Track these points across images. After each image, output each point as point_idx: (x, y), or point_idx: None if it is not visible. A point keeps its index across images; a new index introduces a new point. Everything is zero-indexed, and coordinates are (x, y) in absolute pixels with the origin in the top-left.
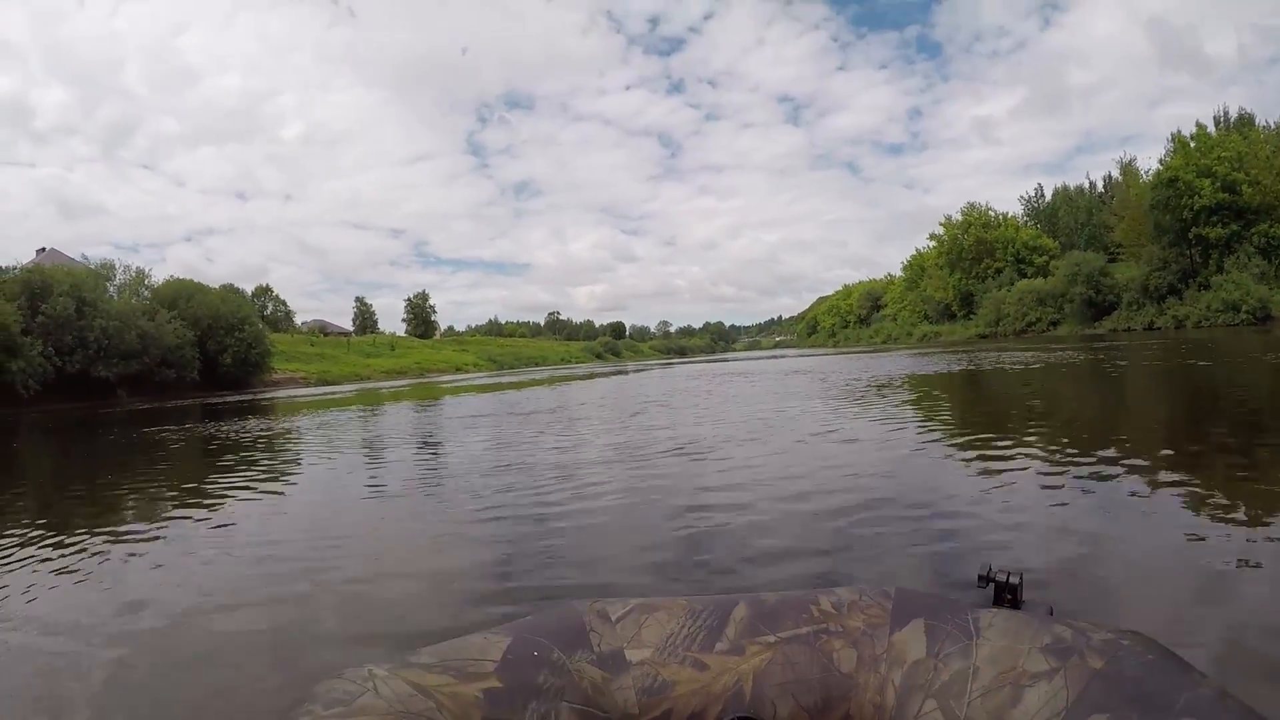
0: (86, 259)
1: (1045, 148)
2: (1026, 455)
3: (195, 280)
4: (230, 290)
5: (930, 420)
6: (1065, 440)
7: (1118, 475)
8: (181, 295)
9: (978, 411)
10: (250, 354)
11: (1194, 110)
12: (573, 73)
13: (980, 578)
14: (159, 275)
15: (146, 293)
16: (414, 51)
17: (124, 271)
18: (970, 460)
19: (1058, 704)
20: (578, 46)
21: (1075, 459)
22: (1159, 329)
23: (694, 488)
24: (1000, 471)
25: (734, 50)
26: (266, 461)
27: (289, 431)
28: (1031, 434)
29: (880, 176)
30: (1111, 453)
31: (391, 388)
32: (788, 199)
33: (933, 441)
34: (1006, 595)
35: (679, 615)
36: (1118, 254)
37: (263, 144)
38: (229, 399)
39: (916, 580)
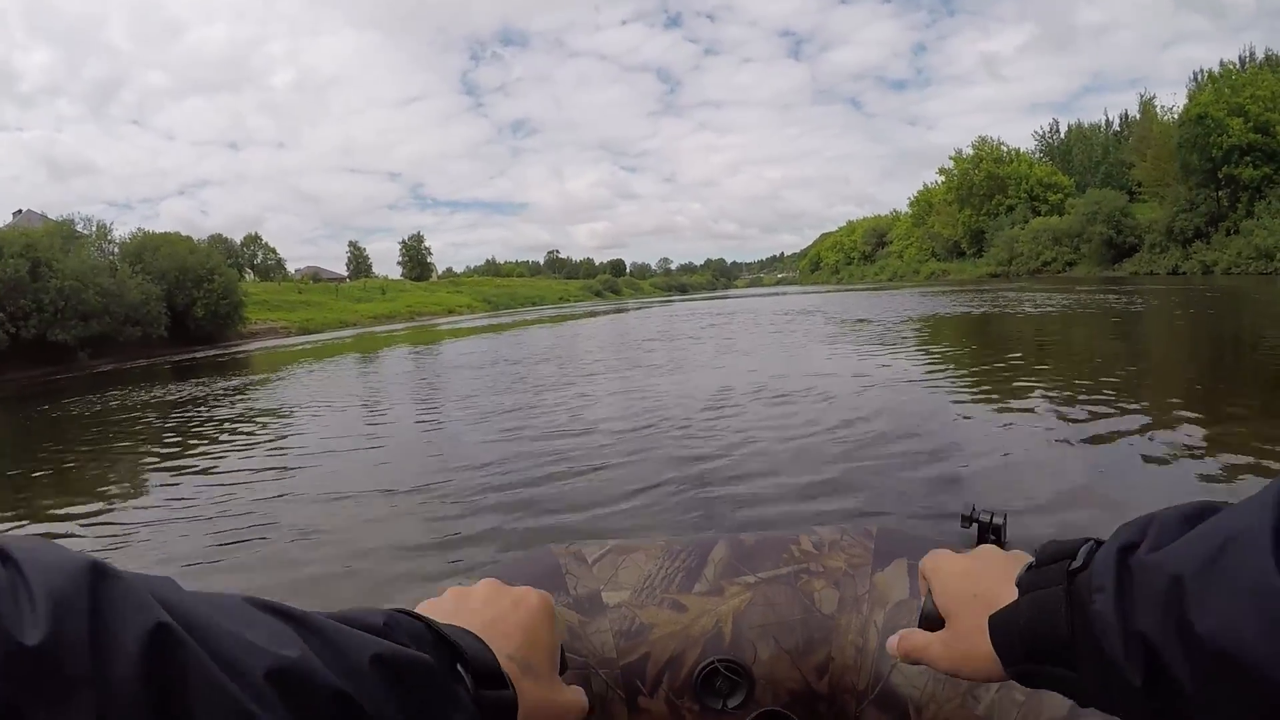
0: (69, 219)
1: (1052, 86)
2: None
3: (183, 234)
4: (210, 241)
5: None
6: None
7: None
8: (147, 249)
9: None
10: (220, 306)
11: (1205, 54)
12: (567, 7)
13: (964, 518)
14: (156, 229)
15: (114, 248)
16: None
17: (84, 226)
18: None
19: None
20: None
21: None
22: (1184, 273)
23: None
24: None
25: None
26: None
27: (228, 394)
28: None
29: (884, 113)
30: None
31: (354, 335)
32: (789, 135)
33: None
34: (990, 536)
35: (657, 556)
36: (1138, 194)
37: (253, 93)
38: (196, 355)
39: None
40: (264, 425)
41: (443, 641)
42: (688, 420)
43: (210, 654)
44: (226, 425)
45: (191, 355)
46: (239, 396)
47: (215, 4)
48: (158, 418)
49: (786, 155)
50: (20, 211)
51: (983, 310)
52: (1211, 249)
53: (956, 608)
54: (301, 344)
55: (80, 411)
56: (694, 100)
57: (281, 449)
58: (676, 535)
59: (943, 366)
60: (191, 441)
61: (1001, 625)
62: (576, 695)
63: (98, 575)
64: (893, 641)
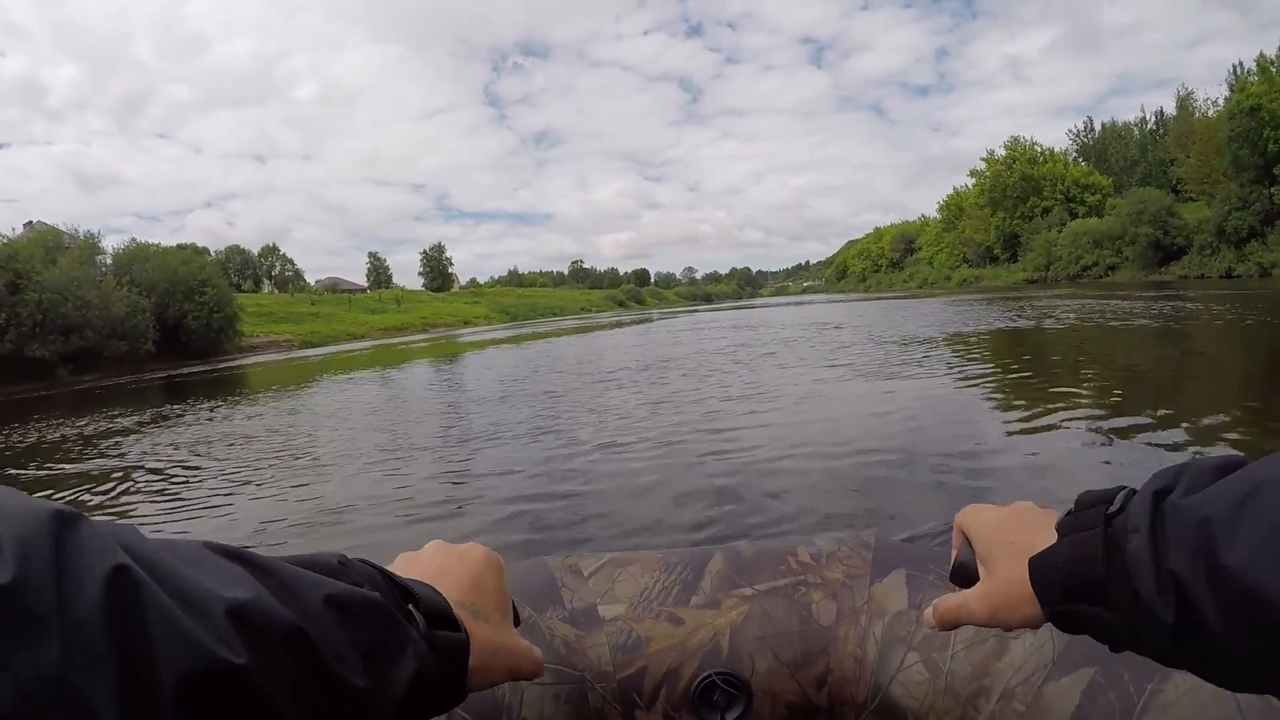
0: (81, 231)
1: (1077, 89)
2: None
3: (205, 245)
4: (227, 252)
5: None
6: None
7: None
8: (137, 260)
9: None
10: (213, 319)
11: (1233, 52)
12: (588, 17)
13: None
14: (184, 240)
15: (108, 259)
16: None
17: (71, 239)
18: None
19: (1044, 656)
20: None
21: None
22: (1238, 276)
23: None
24: None
25: None
26: None
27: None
28: None
29: (907, 119)
30: None
31: (357, 349)
32: (813, 143)
33: None
34: None
35: (653, 569)
36: (1182, 192)
37: (278, 106)
38: (182, 373)
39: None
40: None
41: (394, 586)
42: None
43: (170, 594)
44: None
45: (177, 372)
46: (186, 428)
47: (238, 19)
48: (82, 450)
49: (810, 163)
50: (30, 223)
51: (1037, 323)
52: (1269, 249)
53: (997, 554)
54: (302, 358)
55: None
56: (716, 109)
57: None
58: (673, 547)
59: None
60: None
61: (1041, 566)
62: (529, 647)
63: (62, 521)
64: (928, 614)
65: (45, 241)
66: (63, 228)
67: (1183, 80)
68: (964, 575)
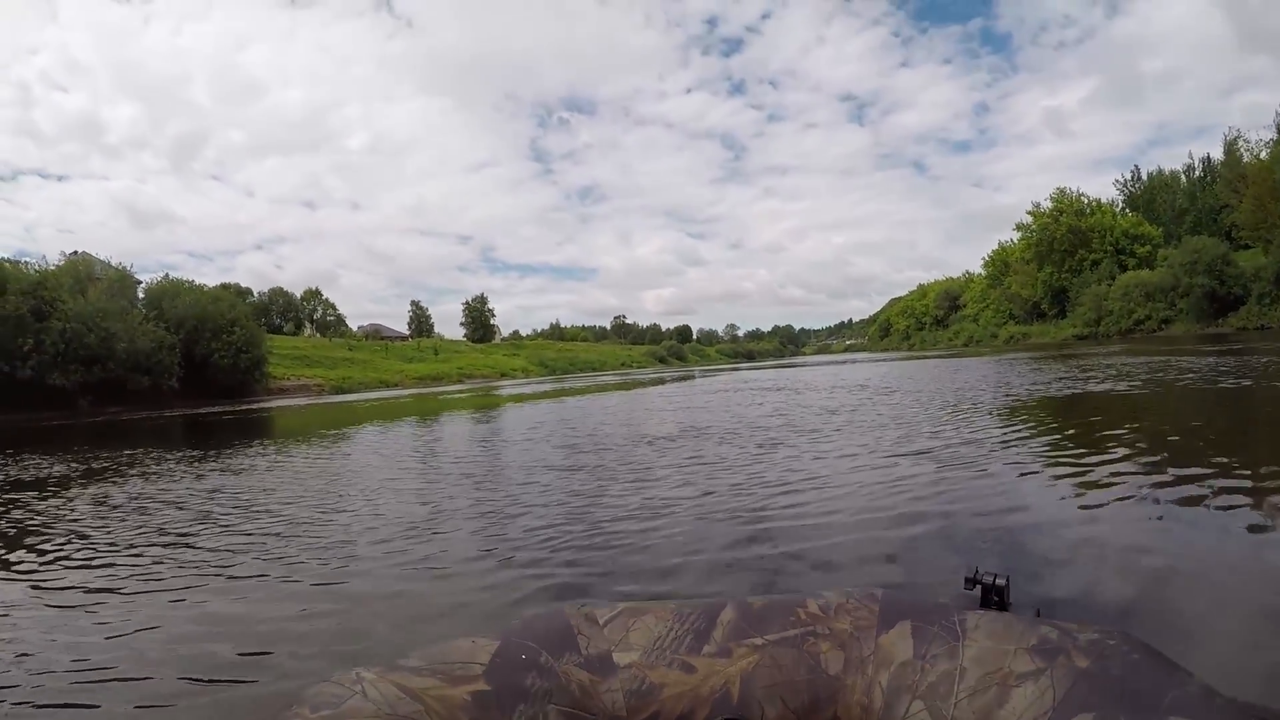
0: (115, 263)
1: (1117, 142)
2: None
3: (248, 286)
4: (270, 294)
5: None
6: None
7: None
8: (167, 295)
9: None
10: (240, 359)
11: (1270, 98)
12: (632, 74)
13: (967, 579)
14: (233, 280)
15: (142, 294)
16: (472, 55)
17: (104, 269)
18: None
19: (1044, 704)
20: (637, 45)
21: None
22: None
23: None
24: None
25: (793, 49)
26: None
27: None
28: None
29: (948, 175)
30: None
31: (383, 397)
32: (854, 199)
33: None
34: (994, 597)
35: (666, 619)
36: (1237, 240)
37: (329, 154)
38: (202, 411)
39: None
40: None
41: None
42: None
43: None
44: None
45: (198, 411)
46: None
47: (293, 67)
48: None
49: (851, 220)
50: (75, 253)
51: (1109, 385)
52: None
53: None
54: (329, 403)
55: None
56: (759, 166)
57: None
58: (686, 599)
59: None
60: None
61: None
62: None
63: None
64: None
65: (76, 271)
66: (104, 259)
67: (1224, 126)
68: None
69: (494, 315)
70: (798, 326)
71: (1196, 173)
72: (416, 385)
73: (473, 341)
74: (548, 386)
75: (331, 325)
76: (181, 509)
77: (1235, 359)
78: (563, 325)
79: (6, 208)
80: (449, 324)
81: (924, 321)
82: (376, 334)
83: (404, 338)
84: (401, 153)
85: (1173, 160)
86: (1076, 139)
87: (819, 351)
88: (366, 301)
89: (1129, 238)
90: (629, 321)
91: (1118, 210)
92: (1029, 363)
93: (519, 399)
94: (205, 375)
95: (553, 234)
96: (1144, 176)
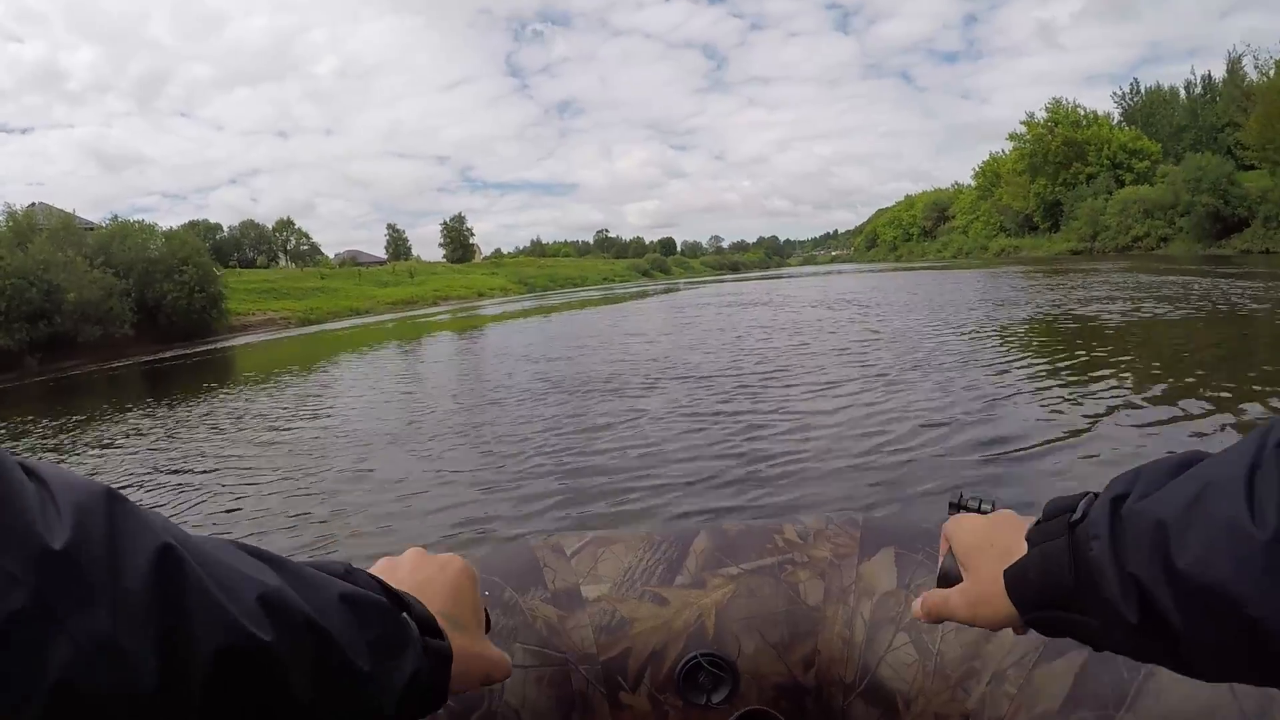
0: (70, 212)
1: (1108, 57)
2: None
3: (217, 221)
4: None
5: None
6: None
7: None
8: (116, 239)
9: None
10: (195, 299)
11: (1265, 22)
12: None
13: (951, 504)
14: (210, 218)
15: (89, 239)
16: None
17: (45, 218)
18: None
19: (1036, 638)
20: None
21: None
22: None
23: None
24: None
25: None
26: None
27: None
28: None
29: (935, 86)
30: None
31: (349, 326)
32: (839, 110)
33: None
34: None
35: (637, 548)
36: (1241, 159)
37: (298, 82)
38: (162, 357)
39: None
40: None
41: (392, 594)
42: None
43: (208, 576)
44: None
45: (155, 357)
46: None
47: None
48: None
49: (837, 131)
50: (34, 204)
51: (1132, 308)
52: None
53: (975, 561)
54: (297, 335)
55: None
56: (741, 77)
57: None
58: (657, 526)
59: None
60: None
61: (1015, 577)
62: (501, 654)
63: (112, 498)
64: (916, 604)
65: (17, 224)
66: (69, 210)
67: (1218, 49)
68: (948, 582)
69: (473, 235)
70: (783, 238)
71: (1197, 90)
72: (390, 311)
73: (451, 262)
74: (528, 304)
75: (307, 255)
76: None
77: (1252, 283)
78: (545, 242)
79: None
80: (429, 246)
81: (911, 233)
82: (353, 261)
83: (382, 263)
84: (373, 75)
85: (1167, 79)
86: (1067, 52)
87: (805, 262)
88: (348, 229)
89: (1127, 152)
90: (612, 235)
91: (1115, 124)
92: (1027, 278)
93: (477, 322)
94: (160, 319)
95: (532, 150)
96: (1142, 91)
